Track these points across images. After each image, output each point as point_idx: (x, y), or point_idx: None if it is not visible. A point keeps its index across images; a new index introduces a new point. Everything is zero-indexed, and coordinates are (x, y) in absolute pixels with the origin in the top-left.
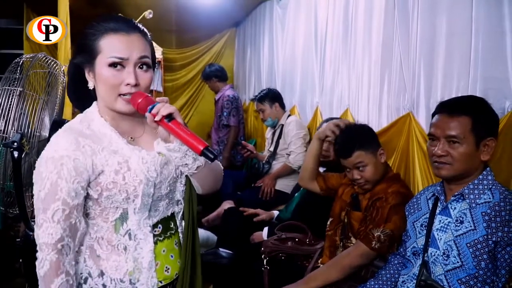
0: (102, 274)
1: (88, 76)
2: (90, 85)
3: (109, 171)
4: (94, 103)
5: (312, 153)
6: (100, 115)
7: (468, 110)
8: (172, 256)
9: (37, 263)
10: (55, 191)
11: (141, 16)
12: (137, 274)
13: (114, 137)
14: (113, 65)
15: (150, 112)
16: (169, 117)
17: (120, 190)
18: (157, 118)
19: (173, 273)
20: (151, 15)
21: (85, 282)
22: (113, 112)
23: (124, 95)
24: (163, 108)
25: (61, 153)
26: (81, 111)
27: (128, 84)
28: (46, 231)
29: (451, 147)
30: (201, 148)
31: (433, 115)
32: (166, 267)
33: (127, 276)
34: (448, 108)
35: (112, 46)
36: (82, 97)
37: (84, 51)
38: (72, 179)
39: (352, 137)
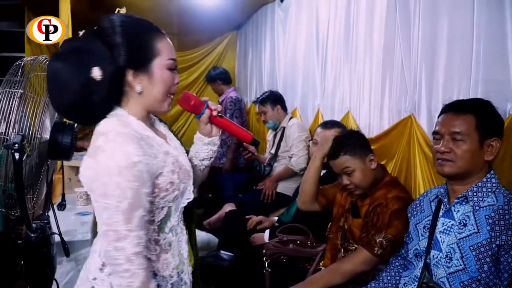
0: (155, 275)
1: (134, 79)
2: (138, 89)
3: (167, 172)
4: (118, 108)
5: (314, 176)
6: (136, 118)
7: (473, 109)
8: (189, 244)
9: (126, 277)
10: (139, 199)
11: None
12: (181, 266)
13: (156, 138)
14: (171, 66)
15: (206, 109)
16: (219, 113)
17: (174, 189)
18: (214, 114)
19: (192, 258)
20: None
21: None
22: (145, 113)
23: (172, 94)
24: (216, 105)
25: (134, 159)
26: (79, 123)
27: (176, 83)
28: (134, 241)
29: (455, 144)
30: (251, 137)
31: (439, 115)
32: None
33: (174, 271)
34: (454, 107)
35: (168, 48)
36: (108, 103)
37: (137, 53)
38: (148, 183)
39: (341, 142)
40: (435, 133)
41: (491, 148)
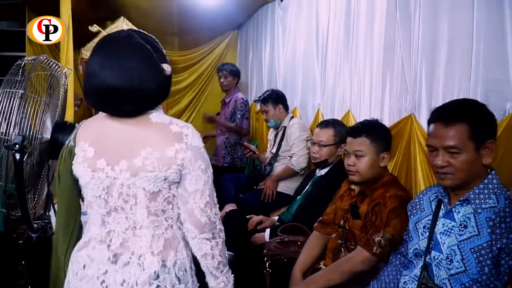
0: None
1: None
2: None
3: None
4: (160, 107)
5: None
6: None
7: (464, 116)
8: None
9: (221, 235)
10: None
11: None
12: None
13: None
14: None
15: None
16: None
17: None
18: None
19: None
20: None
21: None
22: None
23: None
24: None
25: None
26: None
27: None
28: (217, 205)
29: (452, 157)
30: None
31: (428, 122)
32: None
33: None
34: (443, 116)
35: None
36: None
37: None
38: None
39: (369, 125)
40: (429, 146)
41: (488, 150)
